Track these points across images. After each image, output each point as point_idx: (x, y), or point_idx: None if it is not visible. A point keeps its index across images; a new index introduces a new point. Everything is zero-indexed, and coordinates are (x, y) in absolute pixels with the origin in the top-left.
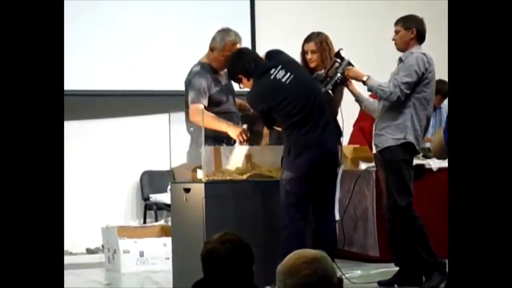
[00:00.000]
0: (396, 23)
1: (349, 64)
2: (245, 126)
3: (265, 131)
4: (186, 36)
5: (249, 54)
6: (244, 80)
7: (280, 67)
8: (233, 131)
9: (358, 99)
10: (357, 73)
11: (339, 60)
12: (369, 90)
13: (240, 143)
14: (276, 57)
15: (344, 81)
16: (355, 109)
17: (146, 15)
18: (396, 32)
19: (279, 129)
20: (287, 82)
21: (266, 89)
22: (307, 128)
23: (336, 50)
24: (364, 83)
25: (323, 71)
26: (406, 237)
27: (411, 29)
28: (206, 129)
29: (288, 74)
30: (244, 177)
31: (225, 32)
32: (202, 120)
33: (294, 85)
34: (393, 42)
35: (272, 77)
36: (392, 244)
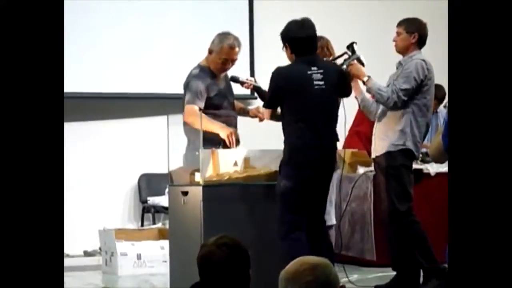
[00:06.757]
0: (399, 24)
1: (358, 60)
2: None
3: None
4: (184, 38)
5: (312, 37)
6: (288, 51)
7: (322, 72)
8: (223, 133)
9: (358, 97)
10: (359, 71)
11: (349, 53)
12: (367, 91)
13: (230, 144)
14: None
15: (348, 75)
16: (353, 112)
17: (145, 17)
18: (398, 34)
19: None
20: (315, 87)
21: (296, 76)
22: (308, 133)
23: (341, 50)
24: (364, 83)
25: (330, 58)
26: (405, 242)
27: (413, 34)
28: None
29: (322, 83)
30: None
31: (224, 35)
32: (201, 122)
33: (317, 95)
34: (393, 43)
35: (309, 72)
36: (392, 249)
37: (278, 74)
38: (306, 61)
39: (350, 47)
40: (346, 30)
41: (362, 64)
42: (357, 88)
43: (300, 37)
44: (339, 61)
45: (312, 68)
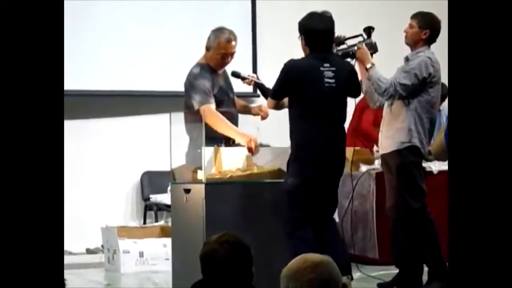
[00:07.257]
0: (414, 16)
1: (371, 44)
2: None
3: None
4: (187, 36)
5: (328, 32)
6: (303, 42)
7: (334, 70)
8: (243, 140)
9: (363, 80)
10: (365, 56)
11: (365, 36)
12: (367, 78)
13: (249, 151)
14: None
15: (355, 57)
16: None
17: (146, 15)
18: (410, 26)
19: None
20: (325, 84)
21: (308, 71)
22: (315, 130)
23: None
24: (366, 69)
25: (344, 35)
26: (417, 239)
27: (425, 30)
28: (212, 130)
29: (333, 81)
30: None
31: (219, 30)
32: (221, 122)
33: (327, 93)
34: (404, 34)
35: (321, 68)
36: (395, 246)
37: (290, 66)
38: (320, 57)
39: (367, 30)
40: (346, 27)
41: (376, 49)
42: (363, 72)
43: (316, 29)
44: (352, 42)
45: (325, 65)
